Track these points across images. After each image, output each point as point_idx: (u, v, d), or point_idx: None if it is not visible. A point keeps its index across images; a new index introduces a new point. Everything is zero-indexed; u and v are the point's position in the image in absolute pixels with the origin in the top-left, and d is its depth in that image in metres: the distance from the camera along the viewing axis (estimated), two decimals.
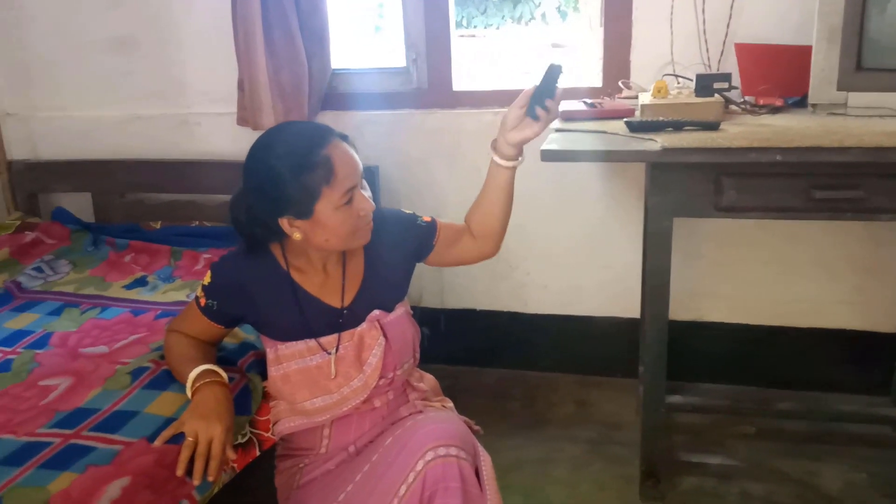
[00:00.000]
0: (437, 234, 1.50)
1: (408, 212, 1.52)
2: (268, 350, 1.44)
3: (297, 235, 1.31)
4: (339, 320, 1.41)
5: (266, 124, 2.22)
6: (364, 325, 1.40)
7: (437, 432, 1.25)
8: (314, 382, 1.39)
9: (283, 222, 1.30)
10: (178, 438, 1.28)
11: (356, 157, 1.32)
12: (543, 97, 1.33)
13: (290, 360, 1.40)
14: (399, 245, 1.47)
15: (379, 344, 1.39)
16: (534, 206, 2.34)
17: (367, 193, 1.34)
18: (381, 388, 1.42)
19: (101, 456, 1.24)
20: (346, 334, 1.40)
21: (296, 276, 1.40)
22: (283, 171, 1.26)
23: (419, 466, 1.19)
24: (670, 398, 2.01)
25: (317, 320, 1.40)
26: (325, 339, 1.40)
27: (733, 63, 1.97)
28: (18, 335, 1.75)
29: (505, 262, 2.44)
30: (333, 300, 1.41)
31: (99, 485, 1.17)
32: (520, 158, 1.41)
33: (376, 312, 1.41)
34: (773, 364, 2.30)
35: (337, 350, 1.39)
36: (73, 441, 1.29)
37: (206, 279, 1.42)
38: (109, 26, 2.48)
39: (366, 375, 1.38)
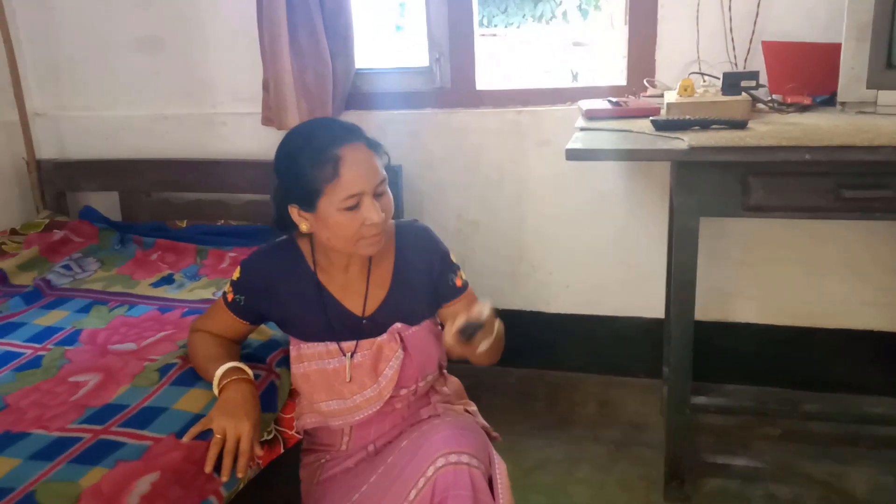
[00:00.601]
0: (453, 301, 1.45)
1: (454, 258, 1.46)
2: (291, 347, 1.45)
3: (304, 227, 1.32)
4: (360, 327, 1.41)
5: (290, 124, 2.23)
6: (384, 336, 1.39)
7: (449, 439, 1.23)
8: (330, 385, 1.40)
9: (293, 211, 1.32)
10: (206, 435, 1.29)
11: (375, 165, 1.29)
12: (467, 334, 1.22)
13: (310, 360, 1.41)
14: (428, 267, 1.43)
15: (397, 357, 1.38)
16: (556, 206, 2.33)
17: (381, 205, 1.29)
18: (403, 395, 1.42)
19: (130, 451, 1.26)
20: (365, 342, 1.40)
21: (321, 275, 1.41)
22: (295, 160, 1.28)
23: (430, 472, 1.19)
24: (695, 399, 1.98)
25: (338, 323, 1.41)
26: (345, 344, 1.40)
27: (760, 62, 1.95)
28: (48, 332, 1.78)
29: (527, 261, 2.44)
30: (355, 306, 1.41)
31: (129, 480, 1.19)
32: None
33: (398, 325, 1.40)
34: (800, 365, 2.27)
35: (353, 355, 1.39)
36: (102, 436, 1.30)
37: (236, 274, 1.44)
38: (137, 27, 2.51)
39: (380, 386, 1.38)
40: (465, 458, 1.20)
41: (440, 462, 1.19)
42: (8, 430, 1.33)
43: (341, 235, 1.29)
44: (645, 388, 2.38)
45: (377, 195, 1.29)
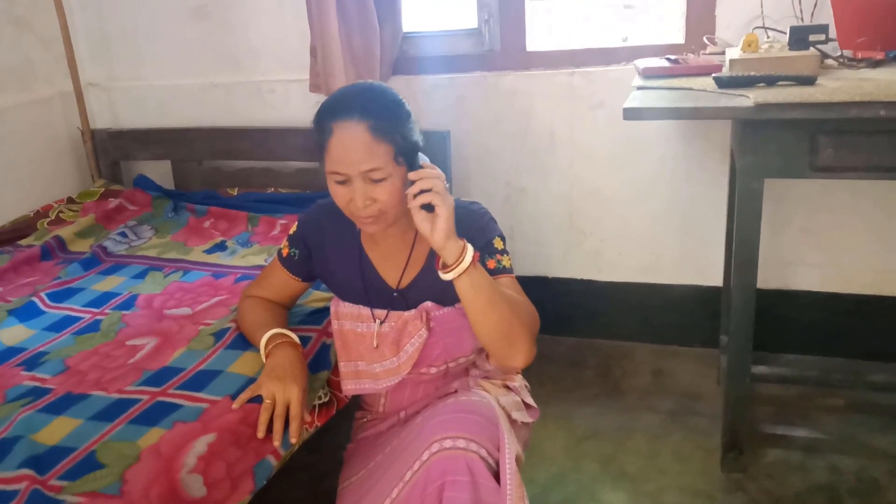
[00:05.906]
0: None
1: (500, 245, 1.35)
2: (332, 303, 1.46)
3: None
4: (392, 299, 1.39)
5: None
6: (412, 312, 1.37)
7: (447, 423, 1.20)
8: (357, 347, 1.41)
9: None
10: (258, 399, 1.30)
11: (366, 151, 1.19)
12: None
13: (344, 319, 1.43)
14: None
15: (419, 335, 1.35)
16: (609, 171, 2.27)
17: (376, 191, 1.22)
18: (433, 373, 1.40)
19: (187, 413, 1.27)
20: (394, 314, 1.38)
21: (365, 241, 1.40)
22: (315, 117, 1.27)
23: (425, 457, 1.16)
24: (755, 368, 1.93)
25: (373, 291, 1.40)
26: (377, 311, 1.40)
27: (827, 16, 1.85)
28: (106, 297, 1.81)
29: (578, 229, 2.39)
30: (390, 278, 1.39)
31: (186, 440, 1.20)
32: (460, 267, 1.19)
33: (428, 304, 1.37)
34: (865, 335, 2.19)
35: (382, 323, 1.38)
36: (160, 398, 1.32)
37: (293, 229, 1.46)
38: None
39: (399, 361, 1.37)
40: (460, 443, 1.15)
41: (434, 447, 1.16)
42: (69, 391, 1.36)
43: (337, 203, 1.27)
44: (700, 357, 2.32)
45: (372, 180, 1.22)
